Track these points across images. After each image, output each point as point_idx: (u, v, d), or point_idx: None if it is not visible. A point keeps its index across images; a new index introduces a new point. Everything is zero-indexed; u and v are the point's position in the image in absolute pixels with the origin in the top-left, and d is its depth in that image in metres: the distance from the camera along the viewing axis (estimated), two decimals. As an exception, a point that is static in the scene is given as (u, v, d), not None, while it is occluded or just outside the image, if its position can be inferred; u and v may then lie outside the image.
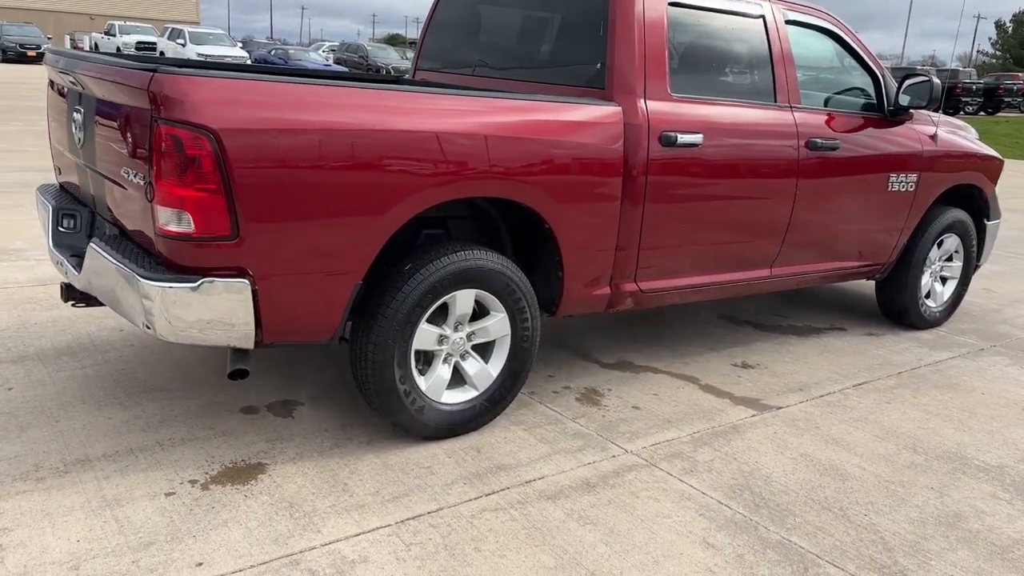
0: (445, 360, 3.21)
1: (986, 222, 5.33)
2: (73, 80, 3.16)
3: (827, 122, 4.21)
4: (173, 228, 2.59)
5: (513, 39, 4.23)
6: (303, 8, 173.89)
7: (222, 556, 2.46)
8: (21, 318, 4.29)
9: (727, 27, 3.93)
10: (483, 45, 4.37)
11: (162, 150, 2.54)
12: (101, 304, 3.08)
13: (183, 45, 30.60)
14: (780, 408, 3.83)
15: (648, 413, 3.66)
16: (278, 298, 2.76)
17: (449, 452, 3.18)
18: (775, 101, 4.01)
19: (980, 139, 5.34)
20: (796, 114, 4.06)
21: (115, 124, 2.84)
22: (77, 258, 3.08)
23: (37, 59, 30.30)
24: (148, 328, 2.68)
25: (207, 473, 2.92)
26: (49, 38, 35.90)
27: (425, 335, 3.08)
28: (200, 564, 2.42)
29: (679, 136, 3.52)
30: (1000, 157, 5.26)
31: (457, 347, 3.21)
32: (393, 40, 73.74)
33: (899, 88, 4.47)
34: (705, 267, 3.94)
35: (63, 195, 3.56)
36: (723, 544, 2.70)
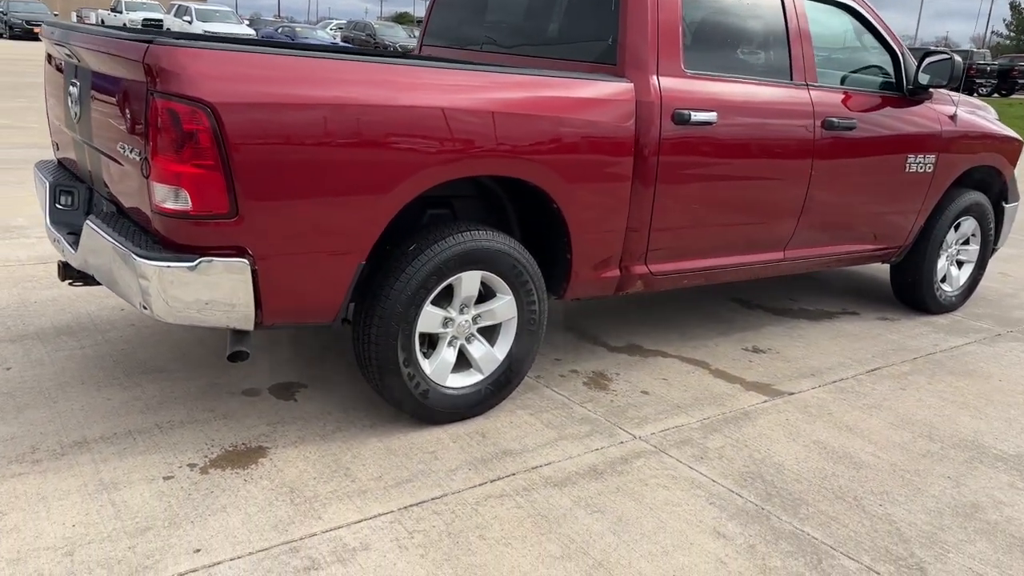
0: (450, 343, 3.13)
1: (1004, 205, 5.21)
2: (69, 53, 3.08)
3: (844, 101, 4.09)
4: (170, 205, 2.51)
5: (521, 15, 4.12)
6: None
7: (220, 542, 2.40)
8: (21, 296, 4.23)
9: (743, 2, 3.81)
10: (490, 21, 4.26)
11: (158, 125, 2.46)
12: (99, 283, 3.00)
13: (189, 22, 30.41)
14: (792, 394, 3.75)
15: (657, 398, 3.59)
16: (278, 278, 2.68)
17: (454, 437, 3.11)
18: (791, 79, 3.90)
19: (998, 120, 5.22)
20: (812, 92, 3.95)
21: (111, 98, 2.76)
22: (74, 236, 3.01)
23: (44, 36, 30.12)
24: (145, 308, 2.61)
25: (206, 457, 2.86)
26: (55, 15, 35.73)
27: (430, 317, 3.01)
28: (198, 550, 2.36)
29: (692, 114, 3.42)
30: (1020, 139, 5.14)
31: (462, 330, 3.14)
32: (401, 18, 73.35)
33: (919, 66, 4.35)
34: (717, 249, 3.85)
35: (61, 171, 3.48)
36: (734, 534, 2.63)
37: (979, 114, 4.93)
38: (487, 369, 3.22)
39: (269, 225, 2.60)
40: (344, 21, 44.79)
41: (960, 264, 5.16)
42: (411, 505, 2.66)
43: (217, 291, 2.59)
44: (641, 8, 3.35)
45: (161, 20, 32.92)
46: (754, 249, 4.00)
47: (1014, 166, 5.13)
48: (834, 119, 3.97)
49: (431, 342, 3.14)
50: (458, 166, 2.89)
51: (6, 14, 32.82)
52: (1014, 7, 63.63)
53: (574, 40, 3.71)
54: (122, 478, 2.69)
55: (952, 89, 4.59)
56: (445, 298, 3.07)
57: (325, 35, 35.79)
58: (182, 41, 2.50)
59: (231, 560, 2.33)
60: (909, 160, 4.41)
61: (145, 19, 32.53)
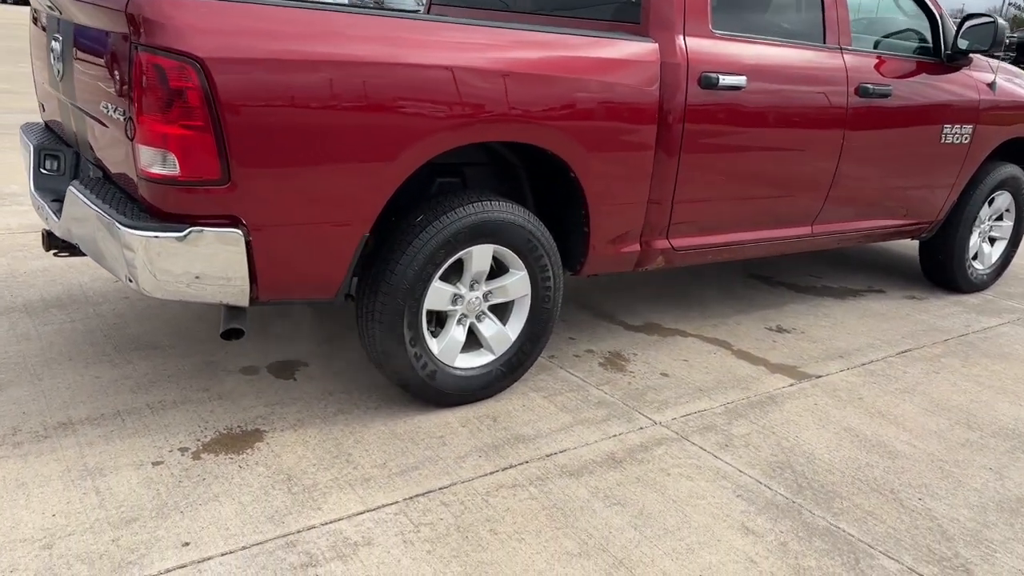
0: (459, 321, 2.93)
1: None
2: (51, 4, 2.86)
3: (879, 66, 3.85)
4: (156, 170, 2.31)
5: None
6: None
7: (211, 535, 2.23)
8: (10, 267, 4.04)
9: (774, -42, 3.57)
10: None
11: (142, 82, 2.25)
12: (85, 254, 2.81)
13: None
14: (819, 377, 3.54)
15: (677, 380, 3.39)
16: (275, 251, 2.48)
17: (463, 421, 2.92)
18: (824, 42, 3.66)
19: None
20: (847, 56, 3.70)
21: (93, 53, 2.55)
22: (58, 203, 2.81)
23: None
24: (131, 282, 2.41)
25: (199, 440, 2.68)
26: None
27: (438, 294, 2.81)
28: (186, 544, 2.19)
29: (721, 78, 3.19)
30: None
31: (472, 307, 2.94)
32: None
33: (958, 31, 4.10)
34: (742, 223, 3.63)
35: (47, 134, 3.28)
36: (764, 530, 2.44)
37: (1017, 82, 4.66)
38: (498, 349, 3.02)
39: (264, 193, 2.39)
40: (351, -11, 44.13)
41: (992, 241, 4.93)
42: (417, 495, 2.48)
43: (208, 264, 2.39)
44: (667, -38, 3.10)
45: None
46: (780, 224, 3.78)
47: (1053, 138, 4.88)
48: (869, 86, 3.73)
49: (439, 320, 2.95)
50: (470, 131, 2.67)
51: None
52: (1033, -21, 62.40)
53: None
54: (108, 463, 2.51)
55: (993, 56, 4.32)
56: (454, 273, 2.87)
57: None
58: (169, -11, 2.28)
59: (222, 555, 2.16)
60: (945, 131, 4.16)
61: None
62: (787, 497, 2.62)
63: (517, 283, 2.98)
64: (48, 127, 3.39)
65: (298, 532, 2.27)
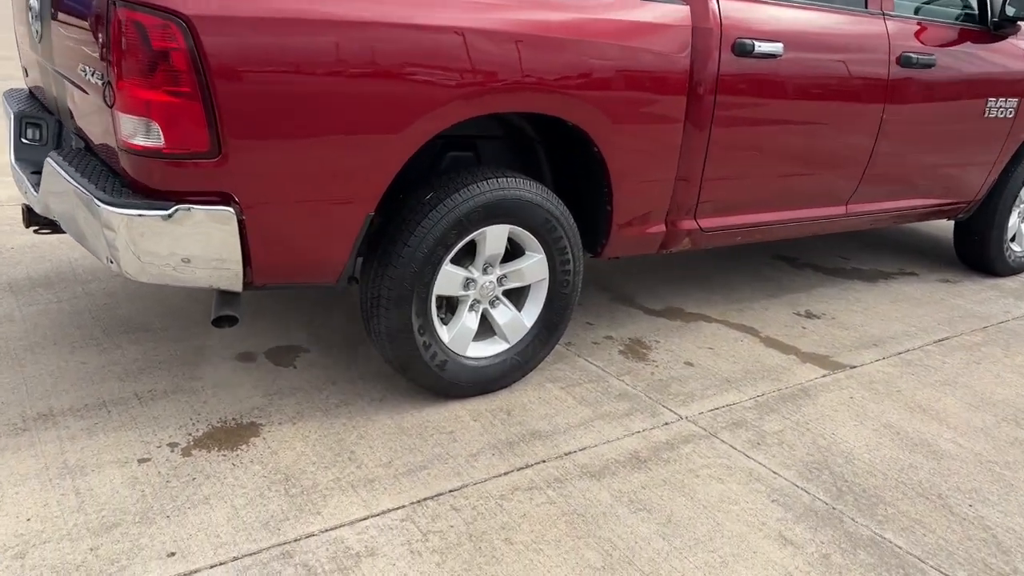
0: (472, 307, 2.72)
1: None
2: (27, -42, 2.62)
3: (921, 34, 3.58)
4: (139, 142, 2.08)
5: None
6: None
7: (199, 544, 2.03)
8: (-3, 242, 3.84)
9: (813, -85, 3.29)
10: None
11: (122, 43, 2.02)
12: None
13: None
14: (854, 367, 3.32)
15: (703, 371, 3.17)
16: (271, 231, 2.26)
17: (475, 414, 2.72)
18: (865, 6, 3.39)
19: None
20: (889, 23, 3.44)
21: (70, 11, 2.32)
22: (39, 175, 2.59)
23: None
24: (112, 264, 2.20)
25: (190, 435, 2.48)
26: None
27: (448, 278, 2.59)
28: (172, 554, 1.99)
29: (756, 45, 2.93)
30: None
31: (486, 292, 2.72)
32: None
33: (1006, -4, 3.82)
34: (774, 203, 3.39)
35: (31, 101, 3.05)
36: (803, 540, 2.24)
37: (1063, 54, 4.38)
38: (513, 337, 2.81)
39: (259, 167, 2.17)
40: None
41: (1031, 222, 4.68)
42: (426, 499, 2.27)
43: (197, 245, 2.18)
44: (701, -84, 2.84)
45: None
46: (814, 203, 3.54)
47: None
48: (912, 55, 3.47)
49: (450, 306, 2.74)
50: (484, 100, 2.43)
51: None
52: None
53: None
54: (90, 460, 2.32)
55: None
56: (467, 256, 2.65)
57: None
58: (151, -62, 2.04)
59: (210, 568, 1.96)
60: (989, 104, 3.90)
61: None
62: (826, 503, 2.41)
63: (534, 266, 2.76)
64: (32, 94, 3.16)
65: (295, 541, 2.08)
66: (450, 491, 2.32)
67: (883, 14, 3.43)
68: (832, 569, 2.14)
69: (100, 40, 2.12)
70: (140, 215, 2.10)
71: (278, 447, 2.46)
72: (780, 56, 3.03)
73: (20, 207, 2.85)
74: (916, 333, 3.72)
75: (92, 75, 2.21)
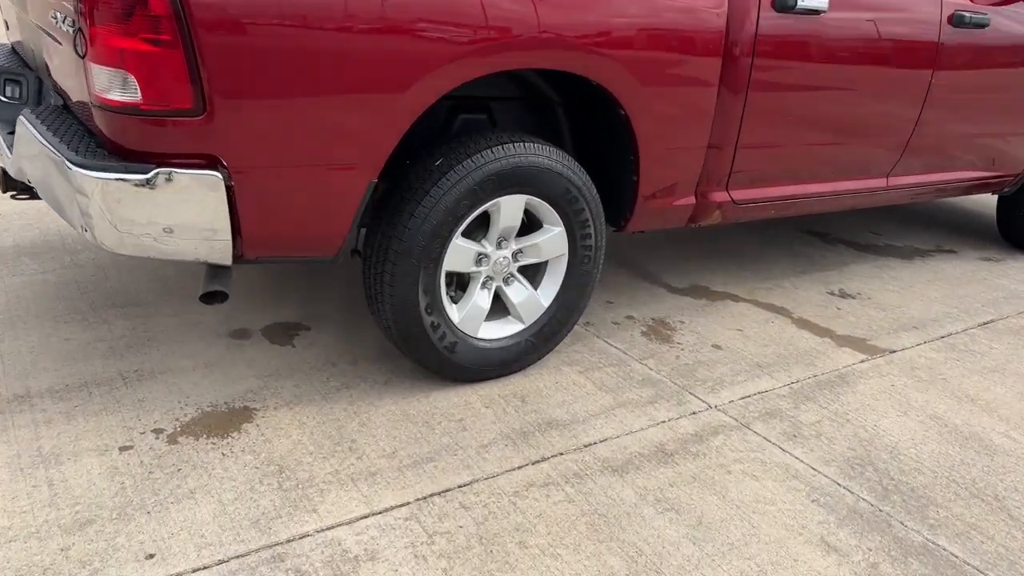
0: (484, 285, 2.50)
1: None
2: None
3: (974, -8, 3.31)
4: (114, 96, 1.86)
5: None
6: None
7: (182, 544, 1.84)
8: (-16, 209, 3.64)
9: None
10: None
11: (93, -17, 1.79)
12: (45, 198, 2.39)
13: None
14: (893, 352, 3.09)
15: (732, 354, 2.95)
16: (263, 198, 2.04)
17: (487, 400, 2.51)
18: (915, -41, 3.11)
19: None
20: (940, -22, 3.16)
21: (42, -50, 2.09)
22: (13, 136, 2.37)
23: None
24: (87, 233, 1.99)
25: (177, 420, 2.28)
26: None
27: (459, 253, 2.37)
28: (151, 556, 1.80)
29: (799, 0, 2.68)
30: None
31: (499, 269, 2.50)
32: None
33: (1066, -49, 3.52)
34: (812, 174, 3.14)
35: (11, 57, 2.83)
36: (849, 547, 2.02)
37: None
38: (529, 317, 2.59)
39: (249, 127, 1.94)
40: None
41: (1079, 197, 4.40)
42: (432, 495, 2.07)
43: (181, 213, 1.96)
44: None
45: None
46: (854, 175, 3.29)
47: None
48: (965, 13, 3.19)
49: (460, 284, 2.52)
50: (500, 56, 2.19)
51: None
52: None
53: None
54: (67, 448, 2.12)
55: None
56: (479, 229, 2.43)
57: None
58: None
59: (192, 572, 1.77)
60: (1044, 70, 3.62)
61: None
62: (872, 504, 2.19)
63: (552, 240, 2.53)
64: (13, 50, 2.94)
65: (288, 542, 1.88)
66: (459, 486, 2.11)
67: (935, -31, 3.15)
68: (881, 581, 1.93)
69: (71, -18, 1.90)
70: (116, 179, 1.88)
71: (272, 435, 2.26)
72: (824, 13, 2.76)
73: (-3, 170, 2.64)
74: (959, 315, 3.48)
75: (64, 22, 1.99)
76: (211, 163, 1.94)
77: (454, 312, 2.45)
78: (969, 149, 3.63)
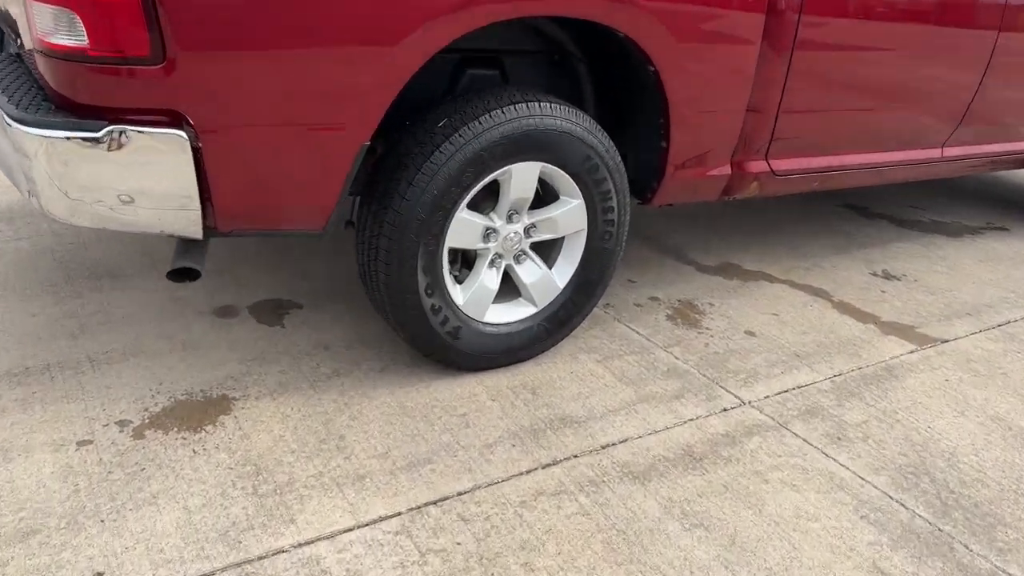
0: (492, 264, 2.22)
1: None
2: None
3: (1048, -59, 2.95)
4: (60, 40, 1.59)
5: None
6: None
7: (136, 561, 1.60)
8: (-39, 169, 3.39)
9: None
10: None
11: (29, -97, 1.51)
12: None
13: None
14: (946, 342, 2.80)
15: (767, 341, 2.67)
16: (237, 162, 1.77)
17: (493, 392, 2.25)
18: (986, -98, 2.77)
19: None
20: (1012, -76, 2.82)
21: None
22: (-32, 90, 2.11)
23: None
24: (33, 200, 1.73)
25: (146, 410, 2.04)
26: None
27: (464, 227, 2.09)
28: (100, 575, 1.56)
29: (856, -58, 2.35)
30: None
31: (510, 246, 2.22)
32: None
33: None
34: (860, 143, 2.84)
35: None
36: (905, 574, 1.75)
37: None
38: (542, 300, 2.32)
39: (219, 80, 1.67)
40: None
41: None
42: (427, 504, 1.82)
43: (141, 179, 1.70)
44: None
45: None
46: (907, 144, 2.97)
47: None
48: (1037, -35, 2.85)
49: (466, 262, 2.25)
50: (510, 1, 1.90)
51: None
52: None
53: None
54: (18, 441, 1.89)
55: None
56: (487, 200, 2.15)
57: None
58: None
59: (145, 597, 1.53)
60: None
61: None
62: (930, 522, 1.92)
63: (570, 214, 2.25)
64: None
65: (259, 559, 1.64)
66: (458, 494, 1.86)
67: (1006, -88, 2.80)
68: (944, 617, 1.66)
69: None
70: (61, 137, 1.62)
71: (251, 429, 2.01)
72: (883, -41, 2.44)
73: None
74: (1017, 300, 3.17)
75: (4, -46, 1.72)
76: (175, 121, 1.67)
77: (458, 294, 2.18)
78: (1032, 117, 3.30)
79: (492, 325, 2.26)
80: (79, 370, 2.17)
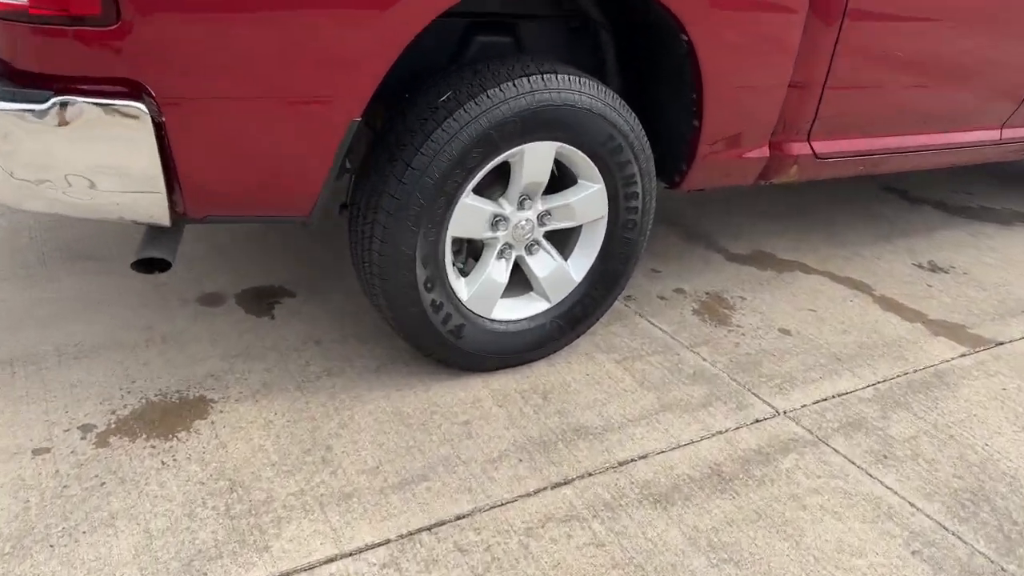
0: (501, 255, 1.99)
1: None
2: None
3: None
4: (-3, -3, 1.37)
5: None
6: None
7: (86, 596, 1.40)
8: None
9: None
10: None
11: None
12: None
13: None
14: (1001, 344, 2.54)
15: (803, 341, 2.43)
16: (207, 140, 1.55)
17: (500, 396, 2.03)
18: None
19: None
20: None
21: None
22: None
23: None
24: (-26, 182, 1.52)
25: (114, 413, 1.84)
26: None
27: (469, 214, 1.86)
28: (42, 613, 1.37)
29: None
30: None
31: (521, 235, 1.99)
32: None
33: None
34: (911, 123, 2.57)
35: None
36: (964, 624, 1.53)
37: None
38: (556, 294, 2.09)
39: (183, 45, 1.44)
40: None
41: None
42: (420, 530, 1.61)
43: (94, 157, 1.48)
44: None
45: None
46: (963, 124, 2.70)
47: None
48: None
49: (472, 252, 2.02)
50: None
51: None
52: None
53: None
54: (-33, 449, 1.69)
55: None
56: (496, 184, 1.91)
57: None
58: None
59: (90, 643, 1.33)
60: None
61: None
62: (992, 560, 1.69)
63: (588, 200, 2.01)
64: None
65: (225, 595, 1.44)
66: (456, 518, 1.65)
67: None
68: None
69: None
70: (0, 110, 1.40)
71: (229, 437, 1.81)
72: (949, -85, 2.16)
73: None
74: (1076, 298, 2.91)
75: None
76: (133, 91, 1.45)
77: (462, 288, 1.96)
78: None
79: (500, 322, 2.04)
80: (44, 365, 1.97)
